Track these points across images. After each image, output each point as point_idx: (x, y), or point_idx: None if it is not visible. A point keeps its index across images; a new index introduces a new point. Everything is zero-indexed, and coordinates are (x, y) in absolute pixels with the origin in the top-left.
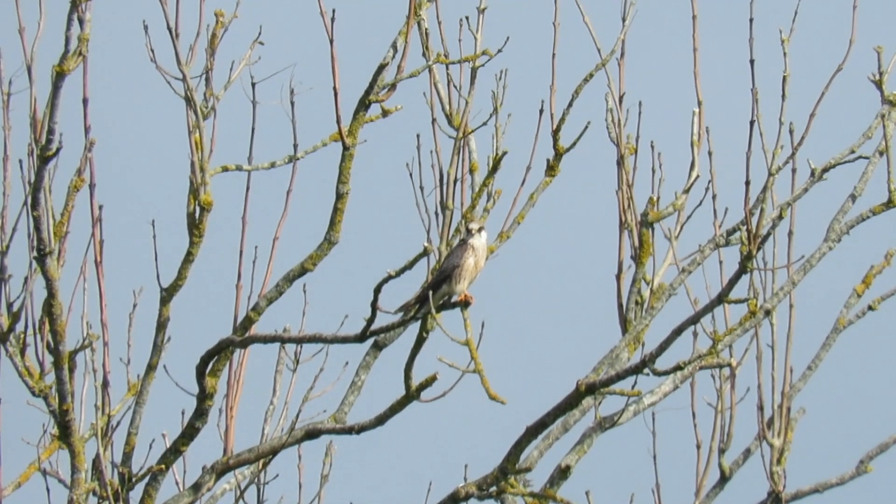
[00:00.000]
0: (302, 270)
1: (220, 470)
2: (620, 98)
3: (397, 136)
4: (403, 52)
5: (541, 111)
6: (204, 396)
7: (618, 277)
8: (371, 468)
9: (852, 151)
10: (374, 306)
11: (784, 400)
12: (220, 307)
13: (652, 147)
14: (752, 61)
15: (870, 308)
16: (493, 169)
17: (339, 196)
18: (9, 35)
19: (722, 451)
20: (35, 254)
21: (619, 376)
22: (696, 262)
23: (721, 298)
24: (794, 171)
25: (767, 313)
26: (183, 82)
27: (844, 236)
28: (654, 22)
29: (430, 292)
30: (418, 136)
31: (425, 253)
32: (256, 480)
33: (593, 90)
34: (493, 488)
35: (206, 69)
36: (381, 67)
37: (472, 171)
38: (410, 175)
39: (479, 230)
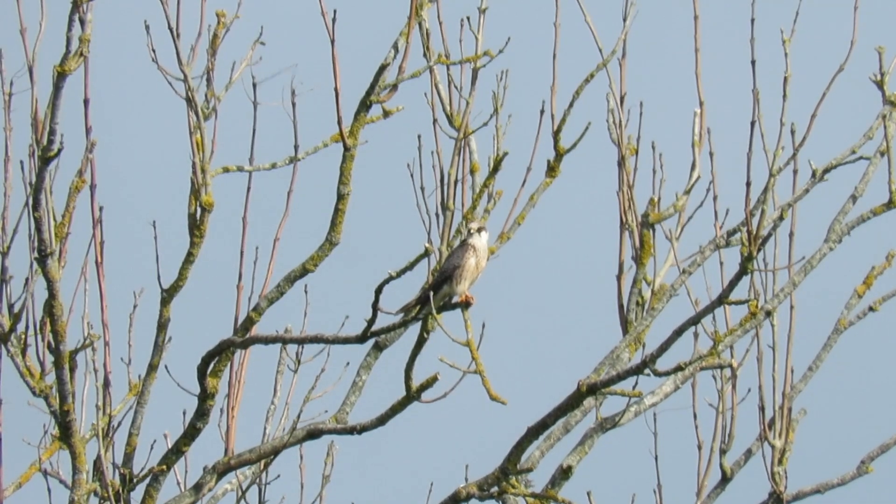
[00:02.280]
0: (303, 271)
1: (222, 470)
2: (621, 98)
3: (398, 136)
4: (404, 53)
5: (542, 112)
6: (205, 397)
7: (618, 278)
8: (372, 468)
9: (853, 152)
10: (375, 307)
11: (785, 401)
12: (220, 308)
13: (653, 148)
14: (753, 62)
15: (871, 309)
16: (494, 170)
17: (340, 197)
18: (10, 35)
19: (723, 452)
20: (36, 255)
21: (620, 377)
22: (696, 263)
23: (721, 299)
24: (795, 171)
25: (768, 314)
26: (184, 83)
27: (845, 237)
28: (655, 22)
29: (431, 293)
30: (419, 136)
31: (426, 254)
32: (258, 481)
33: (594, 91)
34: (495, 489)
35: (208, 69)
36: (383, 68)
37: (472, 172)
38: (411, 176)
39: (480, 230)
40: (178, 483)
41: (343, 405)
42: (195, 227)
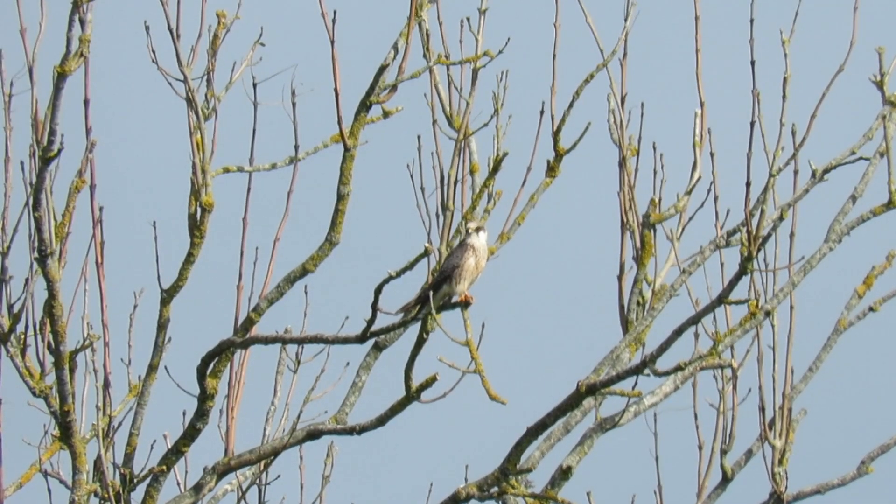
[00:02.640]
0: (303, 271)
1: (222, 471)
2: (622, 99)
3: (398, 137)
4: (404, 54)
5: (541, 112)
6: (205, 397)
7: (619, 278)
8: (372, 469)
9: (853, 152)
10: (374, 307)
11: (785, 401)
12: (220, 308)
13: (654, 148)
14: (753, 62)
15: (871, 309)
16: (494, 170)
17: (340, 197)
18: (10, 36)
19: (724, 452)
20: (36, 255)
21: (620, 377)
22: (696, 263)
23: (721, 299)
24: (795, 172)
25: (768, 314)
26: (184, 83)
27: (845, 237)
28: (655, 23)
29: (431, 293)
30: (419, 137)
31: (426, 254)
32: (258, 481)
33: (595, 91)
34: (494, 489)
35: (208, 70)
36: (382, 68)
37: (472, 173)
38: (411, 176)
39: (478, 230)
40: (178, 483)
41: (343, 405)
42: (195, 227)
